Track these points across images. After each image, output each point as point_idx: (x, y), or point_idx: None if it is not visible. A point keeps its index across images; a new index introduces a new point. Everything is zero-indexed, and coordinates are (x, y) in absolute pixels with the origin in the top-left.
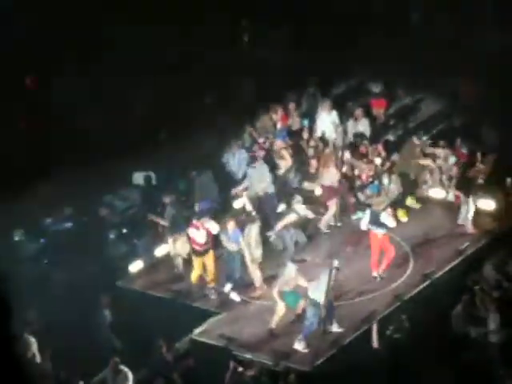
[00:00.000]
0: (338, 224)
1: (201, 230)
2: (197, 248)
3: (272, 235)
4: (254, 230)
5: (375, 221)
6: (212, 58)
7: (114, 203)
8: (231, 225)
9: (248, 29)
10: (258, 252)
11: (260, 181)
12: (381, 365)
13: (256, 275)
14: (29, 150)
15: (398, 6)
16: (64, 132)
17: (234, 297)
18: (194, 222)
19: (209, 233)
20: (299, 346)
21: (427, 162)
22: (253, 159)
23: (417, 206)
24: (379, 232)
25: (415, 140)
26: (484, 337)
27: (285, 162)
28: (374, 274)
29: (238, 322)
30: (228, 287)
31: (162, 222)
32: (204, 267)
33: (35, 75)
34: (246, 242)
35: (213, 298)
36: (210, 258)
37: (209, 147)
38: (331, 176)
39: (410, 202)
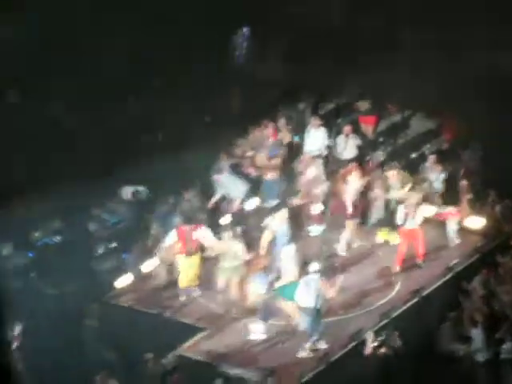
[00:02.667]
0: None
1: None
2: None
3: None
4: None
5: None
6: (204, 71)
7: (102, 217)
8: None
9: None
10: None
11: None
12: (368, 381)
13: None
14: (17, 163)
15: (388, 23)
16: (53, 145)
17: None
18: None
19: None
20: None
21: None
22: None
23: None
24: (407, 227)
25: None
26: (471, 355)
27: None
28: (397, 268)
29: (226, 337)
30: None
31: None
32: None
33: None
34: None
35: (182, 299)
36: (197, 259)
37: (198, 162)
38: (353, 192)
39: (381, 235)
